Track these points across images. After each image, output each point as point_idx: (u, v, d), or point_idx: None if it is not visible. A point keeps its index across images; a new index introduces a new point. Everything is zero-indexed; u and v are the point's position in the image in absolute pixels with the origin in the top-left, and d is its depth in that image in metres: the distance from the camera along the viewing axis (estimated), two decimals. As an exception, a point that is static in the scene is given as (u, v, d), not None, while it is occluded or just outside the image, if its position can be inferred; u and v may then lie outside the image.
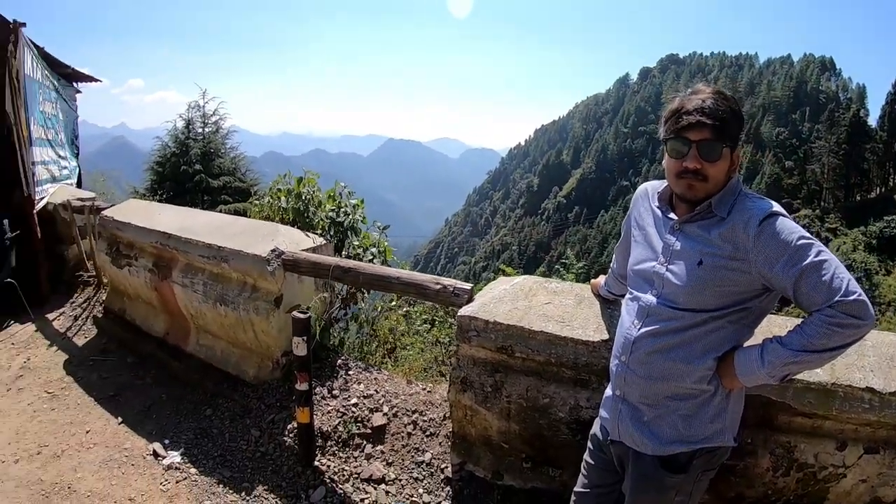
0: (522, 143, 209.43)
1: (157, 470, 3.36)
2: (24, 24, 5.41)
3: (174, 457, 3.47)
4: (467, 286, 3.01)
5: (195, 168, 12.11)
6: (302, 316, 3.06)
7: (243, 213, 7.42)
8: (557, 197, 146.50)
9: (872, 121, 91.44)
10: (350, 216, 5.45)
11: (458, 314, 2.79)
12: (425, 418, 3.48)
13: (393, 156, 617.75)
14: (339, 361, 4.05)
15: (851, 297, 1.48)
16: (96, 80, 8.44)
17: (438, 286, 3.04)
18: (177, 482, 3.26)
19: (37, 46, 6.13)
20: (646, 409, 1.82)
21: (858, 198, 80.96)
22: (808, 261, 1.51)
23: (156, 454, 3.51)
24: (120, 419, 3.94)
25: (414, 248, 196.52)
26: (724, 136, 1.62)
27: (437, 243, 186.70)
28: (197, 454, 3.50)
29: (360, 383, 3.84)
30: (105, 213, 5.24)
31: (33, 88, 5.92)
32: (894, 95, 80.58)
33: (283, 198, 5.48)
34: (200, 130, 13.14)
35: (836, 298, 1.48)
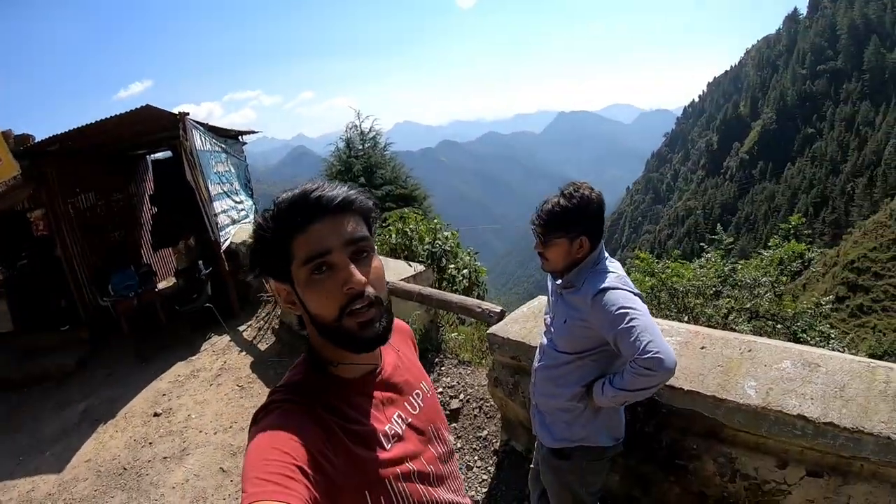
0: (697, 100, 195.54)
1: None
2: (187, 114, 7.08)
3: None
4: (497, 309, 3.87)
5: (360, 182, 13.22)
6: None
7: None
8: (739, 153, 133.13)
9: None
10: (441, 247, 6.61)
11: (488, 332, 3.64)
12: (489, 404, 4.42)
13: (566, 129, 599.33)
14: (437, 359, 5.17)
15: (646, 356, 1.98)
16: (254, 132, 10.35)
17: (479, 309, 3.98)
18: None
19: (202, 124, 7.79)
20: (546, 415, 2.52)
21: None
22: (620, 326, 2.06)
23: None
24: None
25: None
26: (555, 230, 2.27)
27: (619, 214, 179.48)
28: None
29: (448, 376, 4.90)
30: (272, 248, 6.85)
31: (205, 158, 7.59)
32: None
33: (393, 234, 6.80)
34: (361, 147, 14.62)
35: (636, 355, 2.02)
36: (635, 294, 2.20)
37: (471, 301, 4.27)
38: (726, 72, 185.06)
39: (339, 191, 1.05)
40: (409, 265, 5.69)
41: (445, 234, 6.96)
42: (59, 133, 7.28)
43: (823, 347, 6.24)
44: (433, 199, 14.70)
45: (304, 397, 1.05)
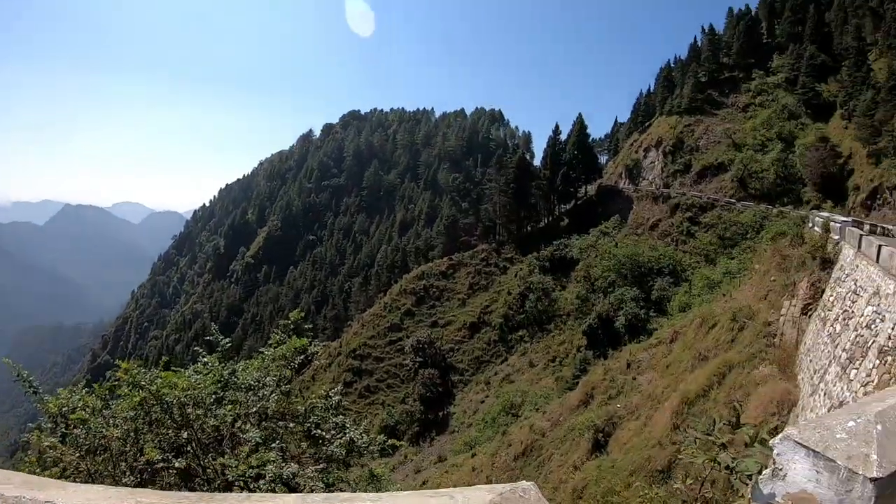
0: (207, 204, 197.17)
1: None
2: None
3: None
4: None
5: None
6: None
7: None
8: (245, 257, 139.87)
9: (537, 161, 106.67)
10: None
11: None
12: None
13: (72, 224, 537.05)
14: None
15: None
16: None
17: None
18: None
19: None
20: None
21: (529, 229, 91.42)
22: None
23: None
24: None
25: (101, 328, 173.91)
26: None
27: (125, 319, 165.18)
28: None
29: None
30: None
31: None
32: (553, 139, 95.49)
33: None
34: None
35: None
36: None
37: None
38: (238, 180, 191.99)
39: None
40: None
41: None
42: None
43: (340, 438, 7.10)
44: None
45: None
